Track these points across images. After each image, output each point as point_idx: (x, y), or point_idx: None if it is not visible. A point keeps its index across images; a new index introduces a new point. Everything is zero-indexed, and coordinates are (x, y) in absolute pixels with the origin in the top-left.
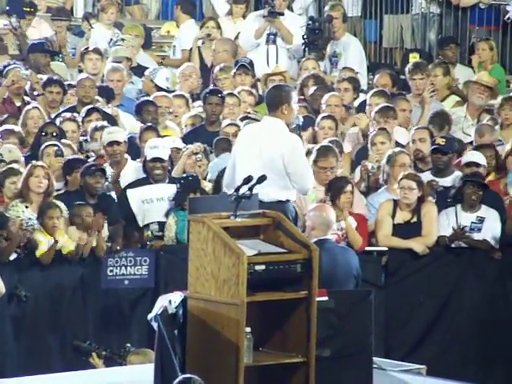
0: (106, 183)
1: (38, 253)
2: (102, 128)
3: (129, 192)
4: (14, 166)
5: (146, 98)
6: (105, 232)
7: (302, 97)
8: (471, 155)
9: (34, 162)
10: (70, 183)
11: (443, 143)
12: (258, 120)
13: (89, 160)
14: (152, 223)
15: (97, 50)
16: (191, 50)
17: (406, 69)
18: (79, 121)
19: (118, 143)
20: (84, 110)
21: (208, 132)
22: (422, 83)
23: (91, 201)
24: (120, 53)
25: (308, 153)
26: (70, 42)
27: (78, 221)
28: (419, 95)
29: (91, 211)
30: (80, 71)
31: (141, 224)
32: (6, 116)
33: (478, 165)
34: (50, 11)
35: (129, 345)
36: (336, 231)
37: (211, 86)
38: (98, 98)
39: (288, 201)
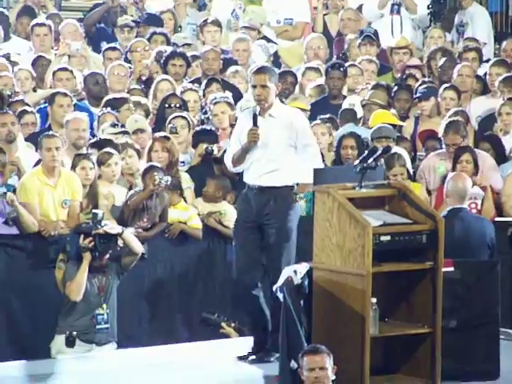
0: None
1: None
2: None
3: None
4: (129, 140)
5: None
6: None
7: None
8: None
9: (155, 135)
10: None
11: None
12: None
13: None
14: None
15: (216, 22)
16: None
17: None
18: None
19: None
20: (204, 80)
21: (332, 105)
22: None
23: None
24: (254, 20)
25: None
26: (191, 15)
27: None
28: None
29: (216, 184)
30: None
31: None
32: (132, 88)
33: None
34: None
35: None
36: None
37: (334, 58)
38: None
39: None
